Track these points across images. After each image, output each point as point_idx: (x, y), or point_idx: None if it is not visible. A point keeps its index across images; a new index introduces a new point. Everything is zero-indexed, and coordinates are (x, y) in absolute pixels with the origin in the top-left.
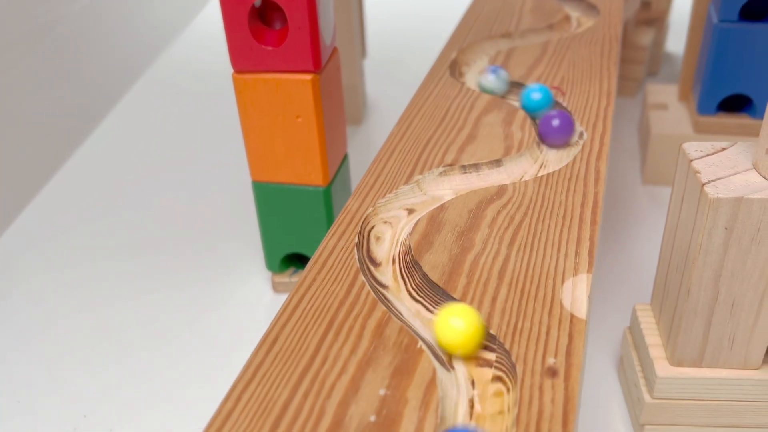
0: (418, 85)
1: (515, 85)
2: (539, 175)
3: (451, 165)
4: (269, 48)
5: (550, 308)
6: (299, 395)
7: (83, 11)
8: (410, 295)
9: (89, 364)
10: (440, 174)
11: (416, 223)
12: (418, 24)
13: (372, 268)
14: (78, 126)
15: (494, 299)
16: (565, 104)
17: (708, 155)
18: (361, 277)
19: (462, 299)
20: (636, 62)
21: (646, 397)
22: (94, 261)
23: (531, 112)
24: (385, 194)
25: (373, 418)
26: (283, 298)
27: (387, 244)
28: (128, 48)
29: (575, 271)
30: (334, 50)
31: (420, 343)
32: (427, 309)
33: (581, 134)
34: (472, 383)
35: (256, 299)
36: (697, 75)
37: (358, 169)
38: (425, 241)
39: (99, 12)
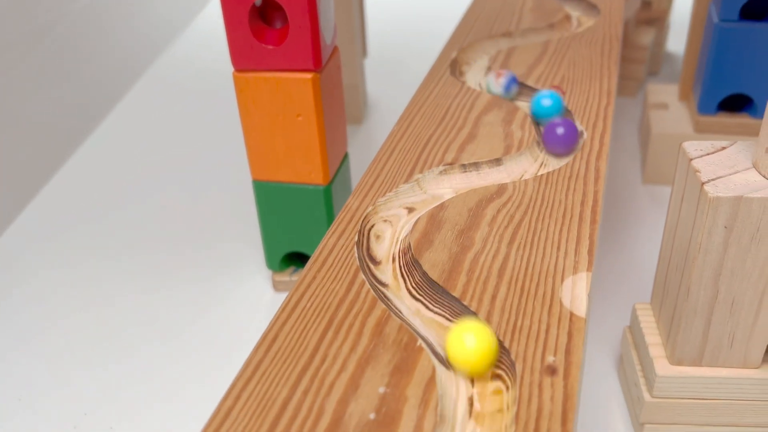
0: (418, 84)
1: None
2: (539, 174)
3: (451, 164)
4: (270, 47)
5: (549, 306)
6: (299, 393)
7: (83, 10)
8: (410, 293)
9: (90, 362)
10: (440, 173)
11: (416, 222)
12: (419, 24)
13: (372, 266)
14: (78, 125)
15: (494, 297)
16: (565, 103)
17: (708, 154)
18: (361, 276)
19: (461, 297)
20: (637, 62)
21: (646, 396)
22: (95, 260)
23: (540, 118)
24: (385, 193)
25: (372, 416)
26: (283, 296)
27: (387, 243)
28: (129, 47)
29: (575, 270)
30: (335, 49)
31: (419, 342)
32: (427, 307)
33: (581, 133)
34: (472, 381)
35: (256, 298)
36: (698, 74)
37: (358, 169)
38: (425, 240)
39: (99, 11)
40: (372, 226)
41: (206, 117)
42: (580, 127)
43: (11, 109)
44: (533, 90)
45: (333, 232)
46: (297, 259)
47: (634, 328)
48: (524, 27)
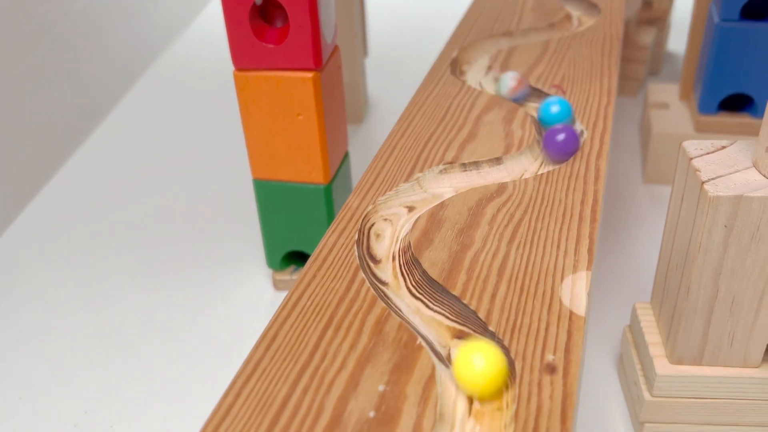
0: (419, 83)
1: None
2: (539, 173)
3: (451, 163)
4: (270, 46)
5: (549, 305)
6: (299, 391)
7: (83, 10)
8: (410, 292)
9: (90, 362)
10: (440, 172)
11: (416, 221)
12: (420, 23)
13: (372, 265)
14: (79, 125)
15: (493, 296)
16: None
17: (708, 153)
18: (361, 274)
19: (461, 296)
20: (637, 61)
21: (646, 395)
22: (95, 260)
23: (548, 125)
24: (385, 192)
25: (372, 414)
26: (283, 295)
27: (387, 242)
28: (129, 47)
29: (575, 269)
30: (336, 48)
31: (419, 340)
32: (427, 306)
33: (581, 132)
34: None
35: (256, 297)
36: (698, 74)
37: (359, 168)
38: (425, 239)
39: (99, 11)
40: (372, 225)
41: (207, 116)
42: (580, 126)
43: (11, 109)
44: (537, 90)
45: (333, 231)
46: (297, 258)
47: (634, 328)
48: (525, 26)
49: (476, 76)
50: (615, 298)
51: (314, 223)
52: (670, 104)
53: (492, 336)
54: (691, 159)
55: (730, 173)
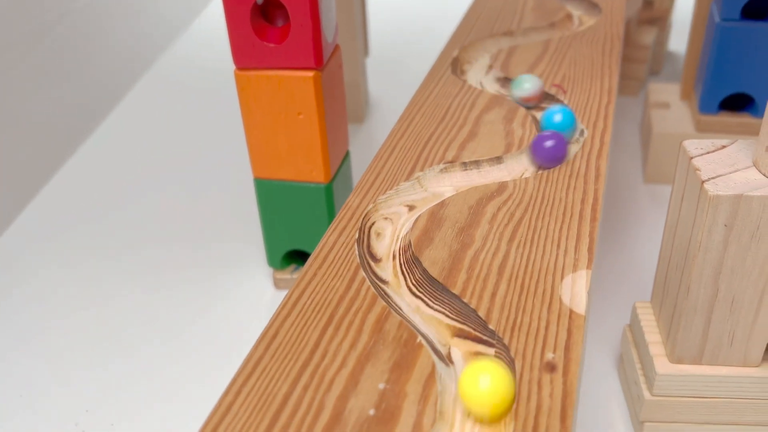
0: (419, 83)
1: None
2: (539, 172)
3: (451, 162)
4: (271, 45)
5: (549, 304)
6: (299, 389)
7: (84, 10)
8: (410, 290)
9: (90, 362)
10: (441, 171)
11: (417, 220)
12: (421, 23)
13: (372, 263)
14: (79, 125)
15: (494, 295)
16: (566, 102)
17: (708, 153)
18: (362, 273)
19: (461, 295)
20: (638, 61)
21: (646, 395)
22: (95, 260)
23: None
24: (385, 191)
25: (372, 412)
26: (284, 294)
27: (387, 240)
28: (130, 47)
29: (575, 268)
30: (336, 48)
31: (419, 338)
32: (427, 304)
33: (582, 132)
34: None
35: (257, 296)
36: (699, 74)
37: (359, 167)
38: (425, 237)
39: (100, 11)
40: (372, 224)
41: (208, 116)
42: (580, 126)
43: (11, 109)
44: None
45: (334, 230)
46: (298, 257)
47: (634, 327)
48: (525, 26)
49: (477, 75)
50: (615, 298)
51: (315, 222)
52: (671, 104)
53: (492, 334)
54: (692, 158)
55: (730, 172)
